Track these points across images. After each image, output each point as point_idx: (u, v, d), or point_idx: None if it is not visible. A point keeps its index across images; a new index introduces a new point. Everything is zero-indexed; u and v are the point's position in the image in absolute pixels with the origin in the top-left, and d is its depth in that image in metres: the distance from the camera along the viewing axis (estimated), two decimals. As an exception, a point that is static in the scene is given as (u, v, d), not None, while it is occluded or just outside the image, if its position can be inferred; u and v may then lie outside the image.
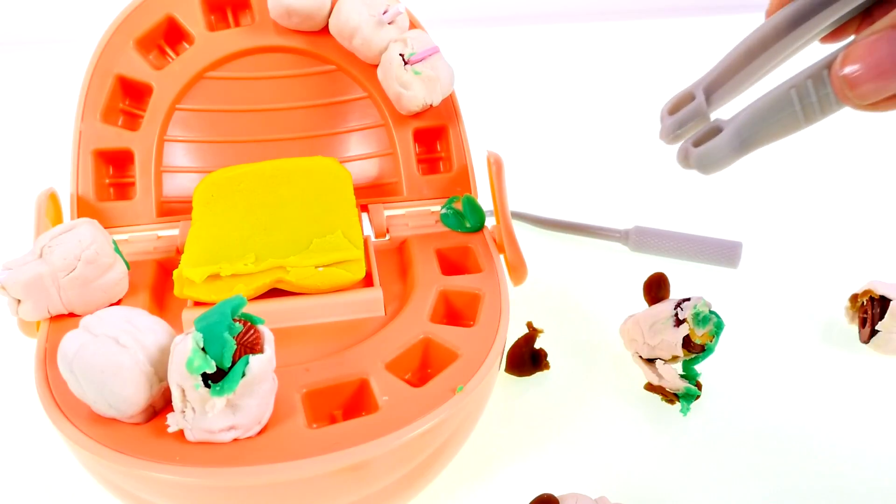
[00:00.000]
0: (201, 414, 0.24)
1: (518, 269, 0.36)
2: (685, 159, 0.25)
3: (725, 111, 0.25)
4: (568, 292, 0.44)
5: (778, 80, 0.24)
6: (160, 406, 0.26)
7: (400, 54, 0.37)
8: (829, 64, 0.21)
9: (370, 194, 0.39)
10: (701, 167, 0.25)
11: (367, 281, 0.33)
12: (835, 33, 0.25)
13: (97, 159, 0.37)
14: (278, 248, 0.32)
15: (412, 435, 0.25)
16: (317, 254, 0.32)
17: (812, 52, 0.25)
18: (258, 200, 0.35)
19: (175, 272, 0.31)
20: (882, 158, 0.58)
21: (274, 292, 0.32)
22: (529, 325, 0.37)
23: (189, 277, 0.31)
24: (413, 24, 0.39)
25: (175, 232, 0.37)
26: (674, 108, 0.26)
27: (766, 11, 0.25)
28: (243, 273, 0.31)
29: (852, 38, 0.25)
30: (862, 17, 0.25)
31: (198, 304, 0.31)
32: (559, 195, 0.53)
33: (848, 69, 0.20)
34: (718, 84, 0.26)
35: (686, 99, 0.26)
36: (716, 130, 0.25)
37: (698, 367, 0.35)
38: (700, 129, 0.25)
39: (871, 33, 0.20)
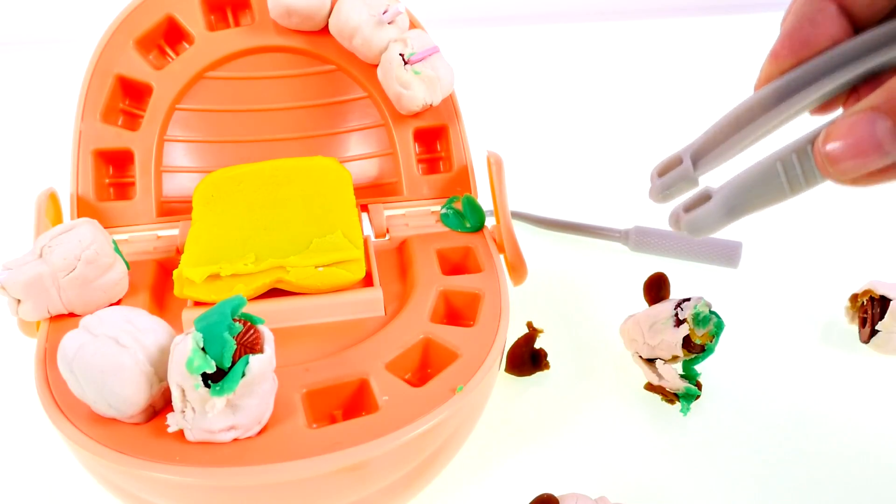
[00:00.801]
0: (201, 414, 0.24)
1: (518, 269, 0.36)
2: (676, 223, 0.26)
3: (712, 176, 0.27)
4: (568, 292, 0.44)
5: (765, 149, 0.25)
6: (160, 406, 0.26)
7: (400, 54, 0.37)
8: (812, 139, 0.22)
9: (370, 194, 0.39)
10: (691, 231, 0.26)
11: (367, 281, 0.33)
12: (824, 106, 0.26)
13: (97, 159, 0.37)
14: (278, 248, 0.32)
15: (412, 435, 0.25)
16: (317, 254, 0.32)
17: (801, 122, 0.26)
18: (258, 200, 0.35)
19: (175, 272, 0.31)
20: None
21: (274, 292, 0.32)
22: (529, 325, 0.37)
23: (189, 277, 0.31)
24: (413, 24, 0.39)
25: (175, 232, 0.37)
26: (662, 171, 0.28)
27: (754, 85, 0.26)
28: (243, 273, 0.31)
29: (840, 111, 0.25)
30: (849, 93, 0.25)
31: (198, 304, 0.31)
32: (559, 195, 0.53)
33: (830, 146, 0.21)
34: (705, 151, 0.27)
35: (674, 162, 0.27)
36: (705, 197, 0.26)
37: (698, 367, 0.35)
38: (690, 193, 0.27)
39: (851, 113, 0.21)
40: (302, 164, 0.37)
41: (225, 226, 0.34)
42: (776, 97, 0.25)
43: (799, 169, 0.23)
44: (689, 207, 0.26)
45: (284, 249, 0.32)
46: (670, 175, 0.27)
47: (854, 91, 0.25)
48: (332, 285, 0.32)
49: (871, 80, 0.24)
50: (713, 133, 0.26)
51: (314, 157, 0.38)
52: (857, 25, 0.24)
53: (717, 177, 0.26)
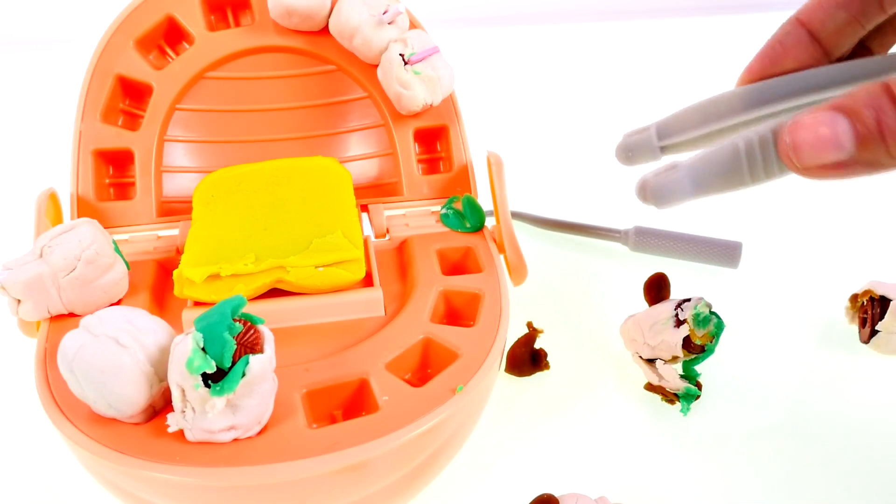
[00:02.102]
0: (201, 414, 0.24)
1: (518, 269, 0.36)
2: (643, 190, 0.27)
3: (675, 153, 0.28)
4: (568, 292, 0.44)
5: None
6: (160, 406, 0.26)
7: (400, 54, 0.37)
8: (776, 128, 0.24)
9: (370, 194, 0.39)
10: (656, 199, 0.27)
11: (367, 281, 0.33)
12: None
13: (97, 159, 0.37)
14: (278, 248, 0.32)
15: (412, 435, 0.25)
16: (317, 254, 0.32)
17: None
18: (258, 200, 0.35)
19: (175, 272, 0.31)
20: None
21: (274, 292, 0.32)
22: (529, 325, 0.37)
23: (189, 277, 0.31)
24: (413, 24, 0.39)
25: (175, 232, 0.37)
26: (631, 135, 0.29)
27: (737, 80, 0.28)
28: (243, 273, 0.31)
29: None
30: None
31: (198, 304, 0.31)
32: (559, 195, 0.53)
33: (794, 134, 0.23)
34: (672, 129, 0.28)
35: (643, 130, 0.29)
36: (672, 167, 0.27)
37: (698, 367, 0.35)
38: (654, 164, 0.28)
39: (817, 109, 0.23)
40: (302, 164, 0.37)
41: (225, 226, 0.34)
42: (744, 103, 0.27)
43: (760, 156, 0.25)
44: (657, 175, 0.27)
45: (284, 249, 0.32)
46: (635, 139, 0.29)
47: None
48: (332, 285, 0.32)
49: None
50: (682, 115, 0.28)
51: (314, 157, 0.38)
52: (826, 52, 0.27)
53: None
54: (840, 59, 0.27)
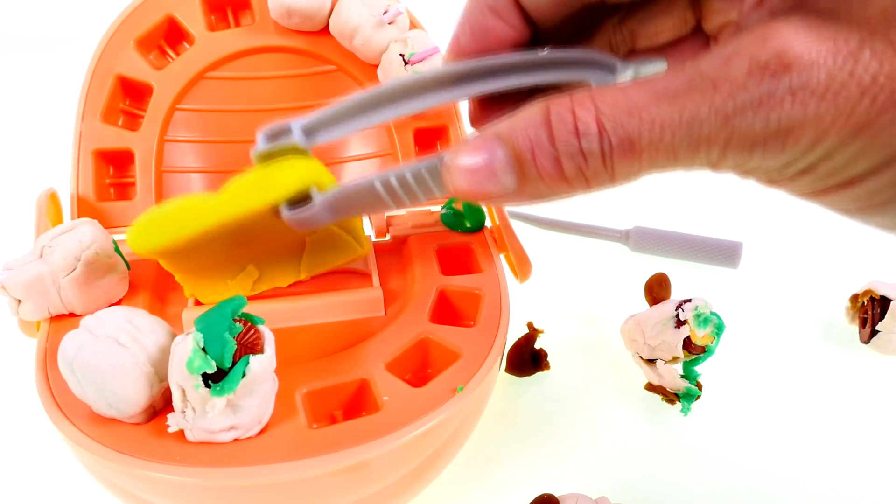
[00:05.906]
0: (201, 414, 0.24)
1: (523, 265, 0.36)
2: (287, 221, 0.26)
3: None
4: (568, 292, 0.44)
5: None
6: (160, 406, 0.26)
7: (400, 54, 0.37)
8: (441, 159, 0.22)
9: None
10: (297, 226, 0.27)
11: (367, 281, 0.33)
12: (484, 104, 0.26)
13: (97, 159, 0.37)
14: (277, 278, 0.32)
15: (412, 435, 0.25)
16: (318, 259, 0.32)
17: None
18: (232, 247, 0.30)
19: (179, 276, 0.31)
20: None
21: (274, 292, 0.32)
22: (530, 325, 0.37)
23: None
24: (413, 24, 0.39)
25: (175, 232, 0.37)
26: (272, 136, 0.27)
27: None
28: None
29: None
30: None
31: (198, 303, 0.32)
32: (559, 195, 0.53)
33: (455, 161, 0.21)
34: (323, 125, 0.26)
35: (284, 131, 0.27)
36: (307, 197, 0.26)
37: (698, 367, 0.35)
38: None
39: (481, 136, 0.20)
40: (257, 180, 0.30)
41: (212, 273, 0.31)
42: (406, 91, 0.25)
43: (416, 184, 0.23)
44: (293, 206, 0.26)
45: (284, 277, 0.32)
46: (280, 142, 0.27)
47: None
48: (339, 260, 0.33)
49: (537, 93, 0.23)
50: (338, 111, 0.26)
51: (276, 166, 0.30)
52: (534, 22, 0.23)
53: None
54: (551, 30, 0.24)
